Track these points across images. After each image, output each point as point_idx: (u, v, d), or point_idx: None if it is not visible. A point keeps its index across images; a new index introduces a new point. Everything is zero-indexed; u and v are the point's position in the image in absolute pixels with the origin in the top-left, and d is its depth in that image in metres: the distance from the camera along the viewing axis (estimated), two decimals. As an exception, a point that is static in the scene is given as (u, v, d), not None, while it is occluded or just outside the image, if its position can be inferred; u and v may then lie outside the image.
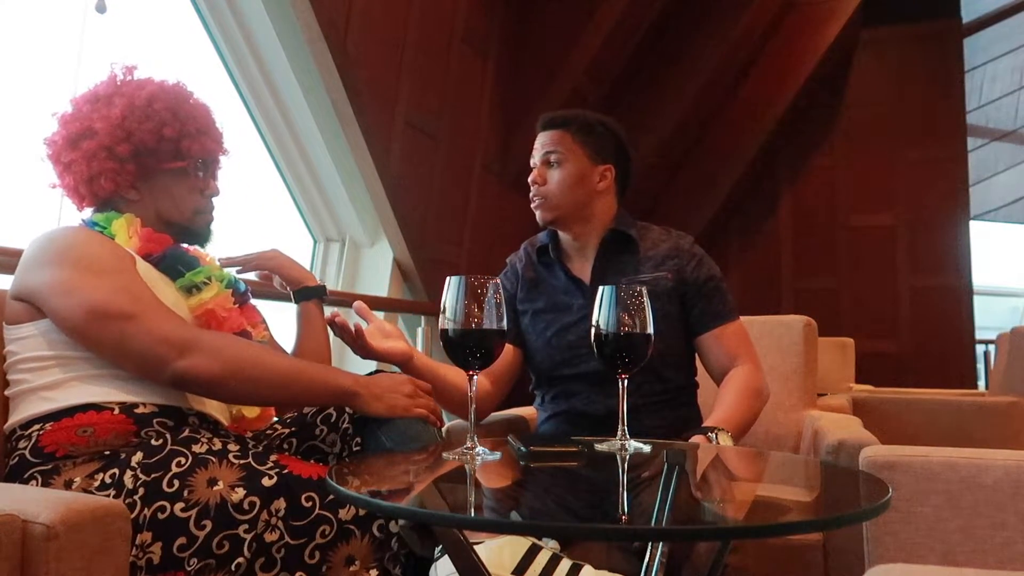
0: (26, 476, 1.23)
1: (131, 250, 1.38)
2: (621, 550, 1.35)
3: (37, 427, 1.26)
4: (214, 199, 1.53)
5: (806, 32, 5.93)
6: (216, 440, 1.28)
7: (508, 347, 1.82)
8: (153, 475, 1.18)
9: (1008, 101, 8.63)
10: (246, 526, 1.16)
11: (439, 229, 3.66)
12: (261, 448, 1.35)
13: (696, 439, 1.54)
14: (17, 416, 1.29)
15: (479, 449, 1.08)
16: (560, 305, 1.79)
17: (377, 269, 3.42)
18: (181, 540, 1.14)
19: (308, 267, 3.15)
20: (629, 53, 4.61)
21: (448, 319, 1.06)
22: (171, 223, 1.47)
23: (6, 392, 1.32)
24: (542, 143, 1.78)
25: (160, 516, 1.15)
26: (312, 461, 1.35)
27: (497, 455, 1.10)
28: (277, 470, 1.21)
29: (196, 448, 1.23)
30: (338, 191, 3.19)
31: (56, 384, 1.28)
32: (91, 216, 1.45)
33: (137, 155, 1.42)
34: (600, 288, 1.17)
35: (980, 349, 7.06)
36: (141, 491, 1.16)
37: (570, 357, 1.76)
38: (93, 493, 1.19)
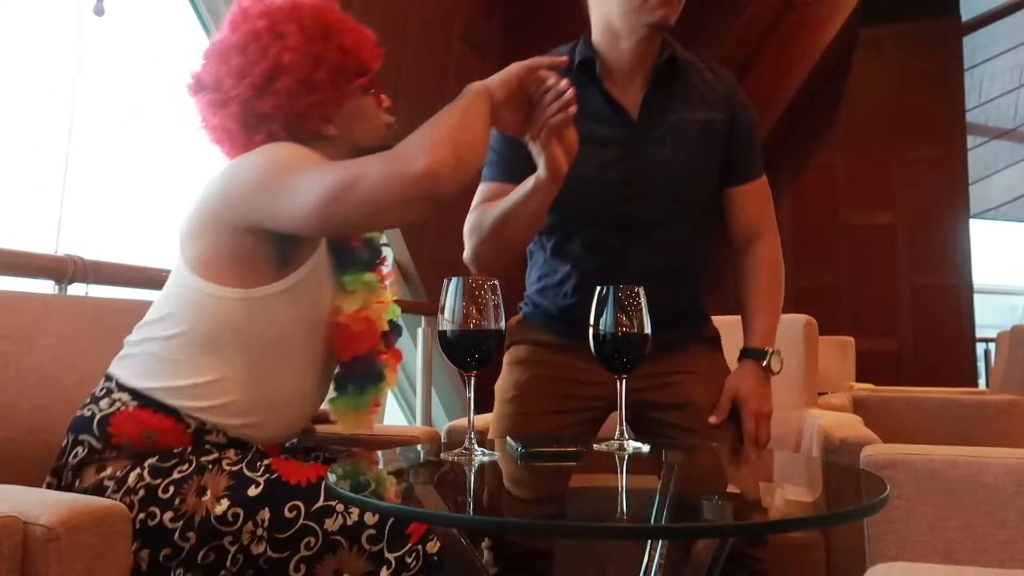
0: (81, 438, 1.23)
1: None
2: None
3: (125, 398, 1.24)
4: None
5: (805, 31, 5.93)
6: (232, 455, 1.24)
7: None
8: (156, 480, 1.17)
9: (1007, 99, 8.62)
10: (230, 538, 1.14)
11: (439, 230, 3.66)
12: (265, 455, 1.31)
13: (747, 368, 1.55)
14: (122, 370, 1.27)
15: (478, 449, 1.08)
16: (598, 137, 1.51)
17: (377, 270, 3.41)
18: (166, 551, 1.13)
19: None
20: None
21: (446, 320, 1.06)
22: (367, 150, 1.33)
23: (133, 333, 1.30)
24: None
25: (150, 523, 1.14)
26: (314, 460, 1.34)
27: (496, 455, 1.10)
28: (266, 476, 1.17)
29: (204, 456, 1.21)
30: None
31: (170, 370, 1.25)
32: None
33: (331, 79, 1.31)
34: (598, 288, 1.16)
35: (980, 347, 7.05)
36: (141, 492, 1.16)
37: (606, 197, 1.53)
38: (102, 484, 1.18)
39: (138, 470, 1.18)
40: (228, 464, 1.20)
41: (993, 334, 5.28)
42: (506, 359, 1.66)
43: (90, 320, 1.59)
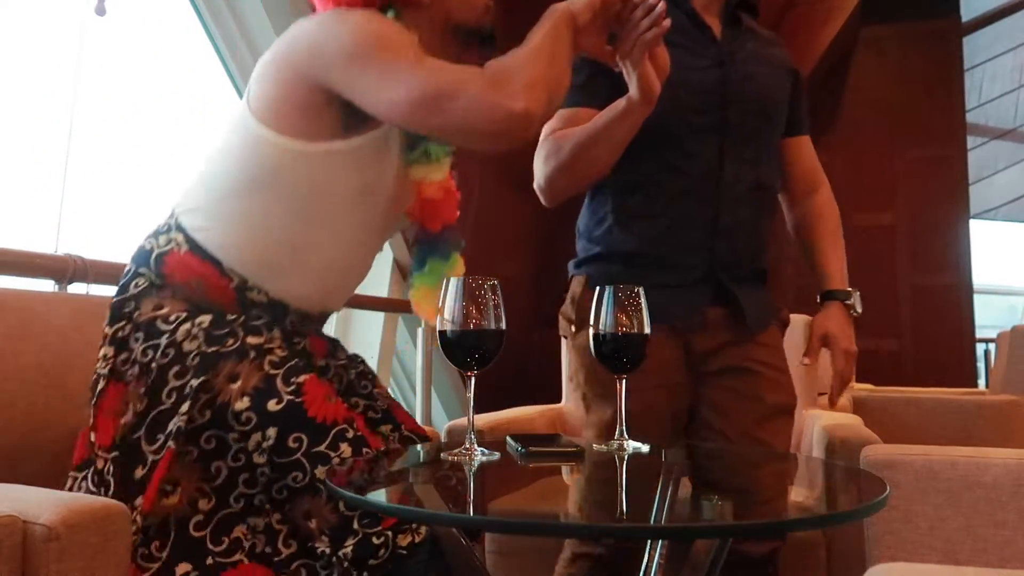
0: (141, 270, 1.26)
1: None
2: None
3: (180, 239, 1.25)
4: None
5: (805, 31, 5.92)
6: (278, 345, 1.23)
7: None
8: (199, 345, 1.18)
9: (1007, 99, 8.62)
10: (236, 435, 1.15)
11: (439, 229, 3.66)
12: (310, 365, 1.27)
13: (833, 309, 1.58)
14: (180, 207, 1.28)
15: (478, 449, 1.08)
16: (687, 47, 1.51)
17: (377, 269, 3.41)
18: (168, 404, 1.15)
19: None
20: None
21: (446, 320, 1.06)
22: (460, 27, 1.30)
23: (191, 174, 1.30)
24: None
25: (175, 382, 1.16)
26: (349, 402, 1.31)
27: (496, 455, 1.10)
28: (291, 397, 1.16)
29: (251, 337, 1.21)
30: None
31: (227, 212, 1.25)
32: None
33: None
34: (597, 288, 1.16)
35: (980, 348, 7.05)
36: (181, 349, 1.18)
37: (703, 102, 1.50)
38: (155, 322, 1.21)
39: (188, 325, 1.20)
40: (270, 361, 1.20)
41: (993, 334, 5.27)
42: (576, 342, 1.55)
43: (90, 318, 1.59)
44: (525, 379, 1.74)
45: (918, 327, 6.62)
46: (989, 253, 8.85)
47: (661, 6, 1.27)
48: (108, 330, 1.26)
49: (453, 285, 1.07)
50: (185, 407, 1.14)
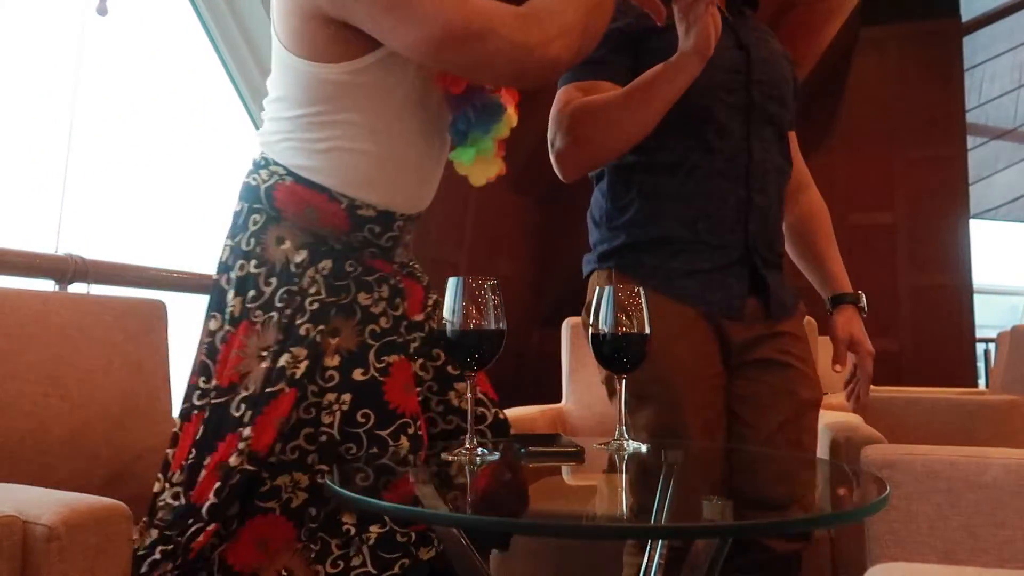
0: (256, 207, 1.27)
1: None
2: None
3: (280, 171, 1.26)
4: None
5: (805, 31, 5.92)
6: (382, 311, 1.26)
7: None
8: (323, 294, 1.21)
9: (1007, 99, 8.62)
10: (315, 388, 1.17)
11: (439, 230, 3.67)
12: (408, 344, 1.29)
13: (849, 313, 1.59)
14: (271, 150, 1.28)
15: (479, 449, 1.08)
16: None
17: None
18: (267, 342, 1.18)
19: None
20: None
21: (447, 320, 1.07)
22: None
23: (265, 110, 1.31)
24: None
25: (298, 329, 1.18)
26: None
27: (496, 455, 1.10)
28: (374, 374, 1.19)
29: (362, 296, 1.25)
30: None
31: (314, 145, 1.25)
32: None
33: None
34: (596, 289, 1.16)
35: (980, 348, 7.05)
36: (302, 299, 1.20)
37: (731, 80, 1.47)
38: (288, 262, 1.22)
39: (312, 271, 1.22)
40: (371, 331, 1.23)
41: (993, 334, 5.27)
42: None
43: (90, 318, 1.59)
44: (525, 379, 1.73)
45: (918, 327, 6.62)
46: (989, 253, 8.84)
47: None
48: (232, 274, 1.25)
49: (453, 285, 1.07)
50: (303, 353, 1.17)
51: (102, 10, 2.27)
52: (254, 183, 1.28)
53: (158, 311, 1.74)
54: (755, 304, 1.49)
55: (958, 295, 6.59)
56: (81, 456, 1.49)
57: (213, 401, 1.19)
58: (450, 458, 1.10)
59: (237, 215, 1.29)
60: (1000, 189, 9.21)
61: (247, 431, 1.13)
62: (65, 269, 1.77)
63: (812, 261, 1.67)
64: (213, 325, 1.24)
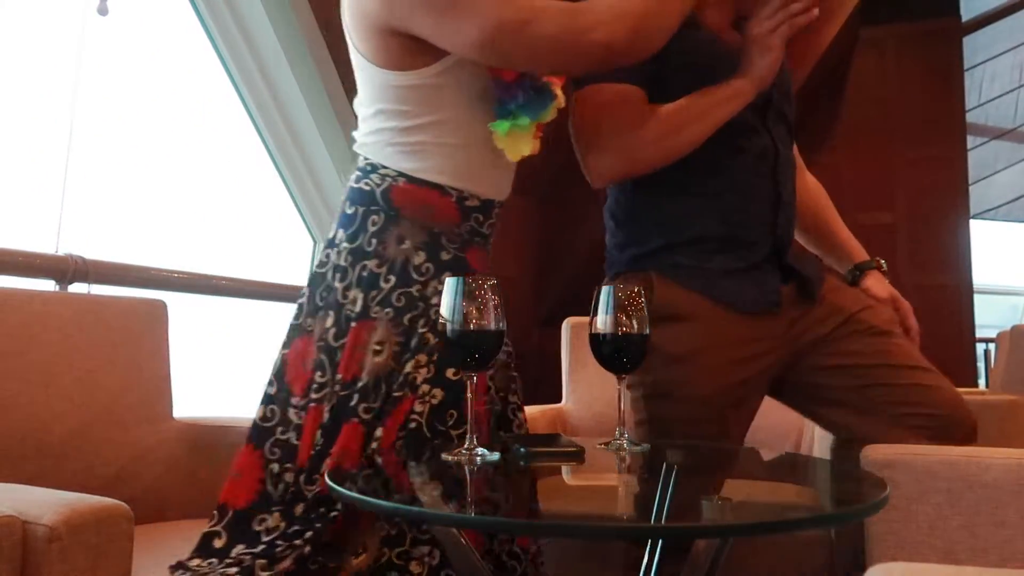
0: (373, 208, 1.31)
1: None
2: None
3: (391, 174, 1.31)
4: None
5: (805, 31, 5.92)
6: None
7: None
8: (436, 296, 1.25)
9: (1007, 99, 8.62)
10: (409, 391, 1.23)
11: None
12: None
13: (878, 277, 1.64)
14: (377, 156, 1.34)
15: (478, 450, 1.08)
16: (709, 62, 1.47)
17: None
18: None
19: (307, 268, 3.16)
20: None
21: (446, 320, 1.07)
22: None
23: (360, 124, 1.36)
24: None
25: (420, 332, 1.26)
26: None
27: (496, 455, 1.10)
28: (461, 377, 1.22)
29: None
30: (337, 192, 3.18)
31: (415, 147, 1.31)
32: None
33: None
34: (596, 288, 1.16)
35: (980, 348, 7.05)
36: (425, 306, 1.26)
37: (734, 126, 1.45)
38: (408, 262, 1.28)
39: (436, 283, 1.26)
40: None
41: (993, 334, 5.27)
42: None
43: (91, 318, 1.59)
44: (525, 379, 1.73)
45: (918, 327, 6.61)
46: (989, 253, 8.84)
47: None
48: (352, 272, 1.30)
49: (453, 285, 1.07)
50: (424, 359, 1.24)
51: (102, 10, 2.27)
52: (367, 187, 1.33)
53: (158, 311, 1.74)
54: (789, 290, 1.51)
55: (958, 295, 6.59)
56: (81, 456, 1.49)
57: (340, 393, 1.24)
58: (450, 458, 1.10)
59: (351, 218, 1.33)
60: (1000, 189, 9.21)
61: (378, 431, 1.21)
62: (65, 269, 1.77)
63: (824, 236, 1.71)
64: (328, 323, 1.29)
